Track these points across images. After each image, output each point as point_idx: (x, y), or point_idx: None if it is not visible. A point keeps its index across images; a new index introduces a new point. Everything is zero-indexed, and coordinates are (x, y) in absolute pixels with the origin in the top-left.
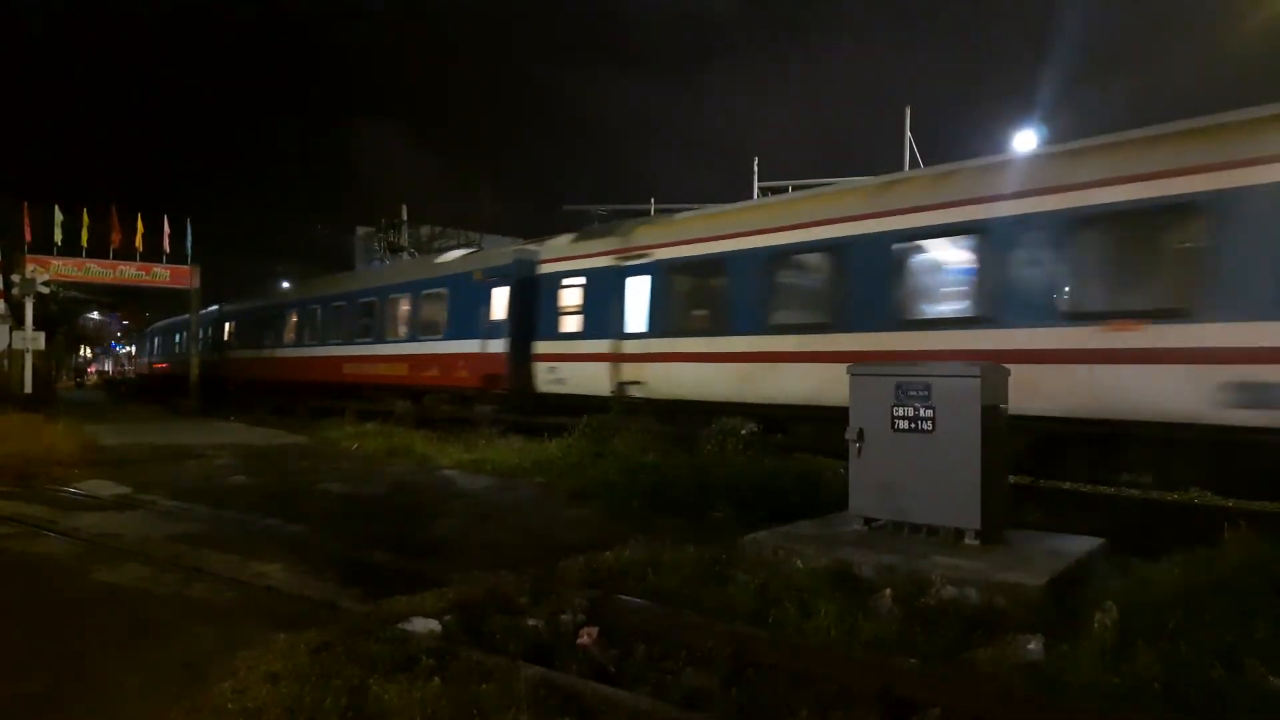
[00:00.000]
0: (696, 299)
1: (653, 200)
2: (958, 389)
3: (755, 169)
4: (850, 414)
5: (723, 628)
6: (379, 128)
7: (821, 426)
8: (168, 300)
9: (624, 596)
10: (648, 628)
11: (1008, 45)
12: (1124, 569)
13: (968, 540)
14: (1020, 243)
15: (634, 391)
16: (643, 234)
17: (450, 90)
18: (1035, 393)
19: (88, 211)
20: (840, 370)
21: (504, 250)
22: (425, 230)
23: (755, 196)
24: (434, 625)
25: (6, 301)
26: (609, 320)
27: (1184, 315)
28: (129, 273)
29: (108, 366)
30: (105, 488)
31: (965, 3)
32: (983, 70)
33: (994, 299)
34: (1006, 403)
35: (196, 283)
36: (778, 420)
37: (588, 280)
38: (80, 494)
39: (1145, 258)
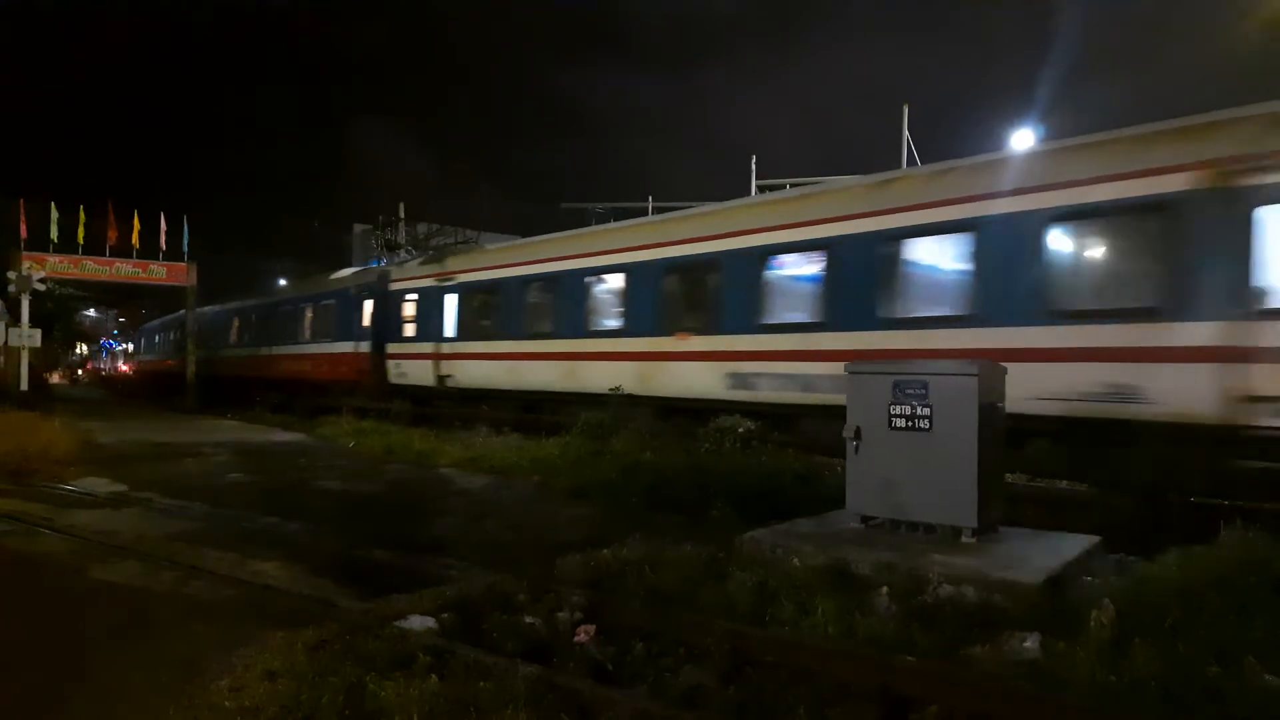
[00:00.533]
0: (484, 312)
1: (650, 198)
2: (955, 387)
3: (753, 167)
4: (848, 412)
5: (721, 625)
6: (377, 125)
7: (562, 407)
8: (165, 297)
9: (622, 594)
10: (646, 625)
11: (1008, 43)
12: (1121, 567)
13: (965, 538)
14: (641, 280)
15: (448, 382)
16: (453, 262)
17: (450, 88)
18: (650, 382)
19: (84, 208)
20: (560, 364)
21: (372, 270)
22: (423, 228)
23: (753, 194)
24: (431, 623)
25: (3, 299)
26: (432, 328)
27: (709, 329)
28: (125, 270)
29: (107, 363)
30: (102, 485)
31: (964, 1)
32: (982, 68)
33: (632, 318)
34: (1004, 401)
35: (193, 280)
36: (534, 402)
37: (419, 296)
38: (77, 491)
39: (694, 291)
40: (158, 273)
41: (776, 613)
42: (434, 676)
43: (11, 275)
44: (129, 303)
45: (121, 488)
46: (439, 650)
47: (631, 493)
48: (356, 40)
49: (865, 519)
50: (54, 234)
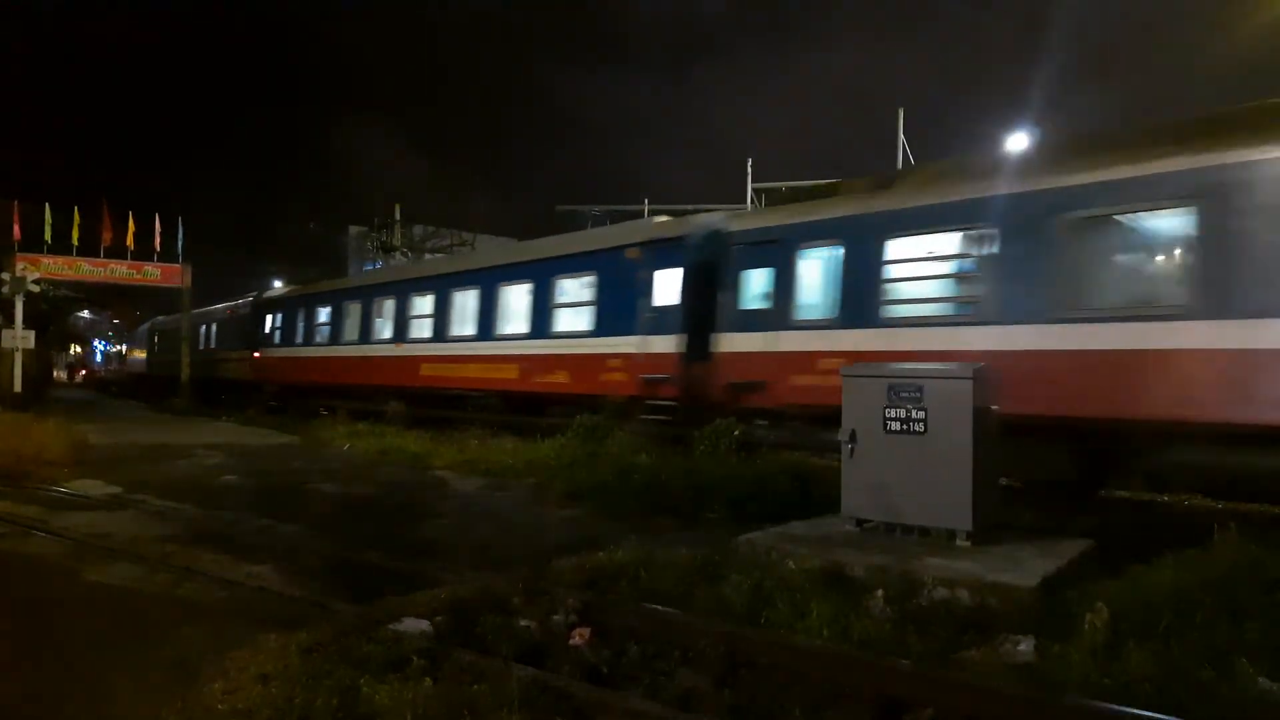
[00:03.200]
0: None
1: (646, 201)
2: (950, 390)
3: (749, 170)
4: (843, 415)
5: (715, 628)
6: (372, 127)
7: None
8: (159, 299)
9: (616, 597)
10: (640, 628)
11: (1004, 46)
12: (1115, 570)
13: (959, 541)
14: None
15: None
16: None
17: (444, 89)
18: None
19: (78, 209)
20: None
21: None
22: (418, 230)
23: (749, 197)
24: (426, 626)
25: None
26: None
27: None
28: (120, 271)
29: (102, 366)
30: (95, 487)
31: (961, 4)
32: (979, 71)
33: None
34: (998, 404)
35: (188, 281)
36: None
37: (159, 333)
38: (70, 493)
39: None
40: (152, 274)
41: (771, 615)
42: (428, 679)
43: (5, 276)
44: (121, 302)
45: (115, 490)
46: (433, 653)
47: (626, 495)
48: (350, 42)
49: (860, 522)
50: (48, 235)
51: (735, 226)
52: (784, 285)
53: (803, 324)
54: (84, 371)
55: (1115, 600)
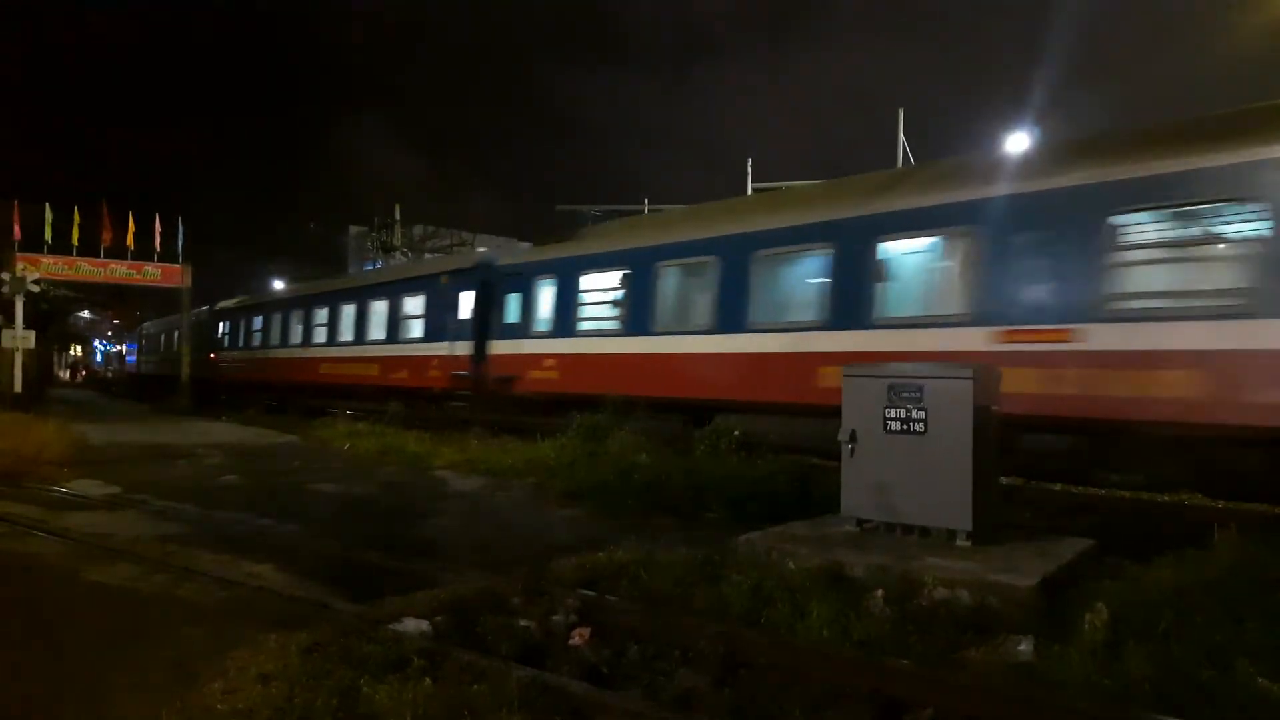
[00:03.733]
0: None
1: (646, 200)
2: (950, 390)
3: (749, 169)
4: (843, 415)
5: (715, 628)
6: (372, 127)
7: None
8: (160, 299)
9: (616, 597)
10: (640, 628)
11: (1004, 46)
12: (1115, 570)
13: (959, 541)
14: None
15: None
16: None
17: (445, 89)
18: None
19: (78, 209)
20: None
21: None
22: (418, 230)
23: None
24: (425, 626)
25: None
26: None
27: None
28: (120, 271)
29: (103, 366)
30: (95, 487)
31: (961, 4)
32: (979, 70)
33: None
34: (999, 404)
35: (188, 281)
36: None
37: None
38: (70, 493)
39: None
40: (152, 274)
41: (771, 615)
42: (428, 679)
43: (5, 276)
44: (122, 303)
45: (115, 490)
46: (433, 653)
47: (626, 495)
48: (350, 42)
49: (860, 522)
50: (48, 235)
51: (501, 261)
52: (526, 306)
53: (536, 334)
54: (85, 372)
55: (1115, 600)
